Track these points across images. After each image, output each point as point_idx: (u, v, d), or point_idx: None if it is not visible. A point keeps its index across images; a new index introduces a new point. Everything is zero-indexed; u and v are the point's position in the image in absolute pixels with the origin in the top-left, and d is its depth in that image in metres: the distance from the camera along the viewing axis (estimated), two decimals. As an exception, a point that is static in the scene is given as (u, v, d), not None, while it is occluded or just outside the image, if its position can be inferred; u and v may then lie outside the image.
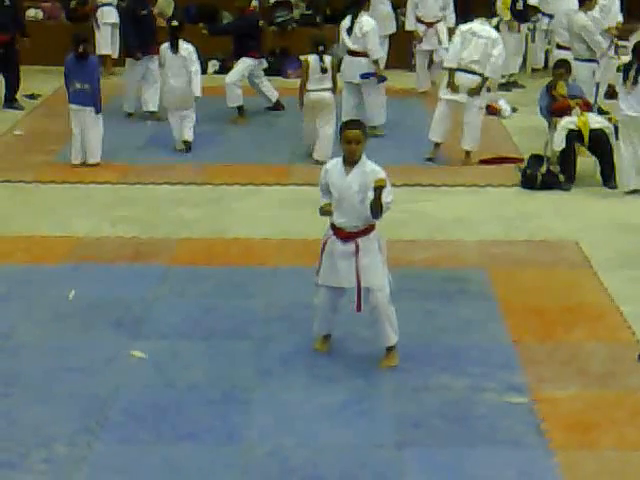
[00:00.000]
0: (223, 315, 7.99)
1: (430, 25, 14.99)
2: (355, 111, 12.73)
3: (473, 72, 11.79)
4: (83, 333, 7.67)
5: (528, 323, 7.90)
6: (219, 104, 13.69)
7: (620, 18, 14.28)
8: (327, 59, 11.91)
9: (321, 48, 11.87)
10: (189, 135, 12.38)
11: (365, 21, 12.60)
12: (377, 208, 6.75)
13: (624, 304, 8.19)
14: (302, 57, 12.26)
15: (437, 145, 12.11)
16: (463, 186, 11.27)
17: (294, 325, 7.76)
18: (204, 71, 13.52)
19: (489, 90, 12.10)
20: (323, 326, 7.35)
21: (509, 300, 8.30)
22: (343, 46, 12.83)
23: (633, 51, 11.18)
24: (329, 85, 11.94)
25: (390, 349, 7.18)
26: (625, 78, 10.88)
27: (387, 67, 13.07)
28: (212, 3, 17.21)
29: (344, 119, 11.42)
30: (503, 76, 14.54)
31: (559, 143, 11.24)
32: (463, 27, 12.16)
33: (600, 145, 11.30)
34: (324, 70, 11.83)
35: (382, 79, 12.81)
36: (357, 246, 6.94)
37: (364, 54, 12.60)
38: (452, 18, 14.92)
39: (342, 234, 6.98)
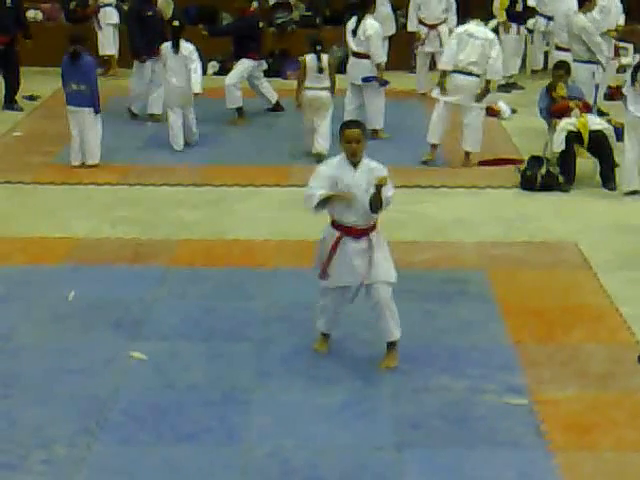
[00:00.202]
0: (223, 316, 7.99)
1: (432, 27, 15.02)
2: (357, 112, 12.76)
3: (471, 74, 11.80)
4: (83, 334, 7.67)
5: (528, 324, 7.90)
6: (219, 105, 13.70)
7: (622, 20, 14.28)
8: (324, 58, 11.97)
9: (319, 47, 11.94)
10: (195, 128, 12.65)
11: (369, 24, 12.61)
12: (377, 203, 6.80)
13: (623, 305, 8.20)
14: (301, 58, 12.32)
15: (434, 147, 12.12)
16: (463, 187, 11.27)
17: (294, 326, 7.76)
18: (204, 72, 13.53)
19: (489, 91, 12.11)
20: (329, 325, 7.36)
21: (509, 301, 8.30)
22: (346, 47, 12.86)
23: None
24: (326, 84, 11.99)
25: (392, 346, 7.17)
26: (634, 79, 10.81)
27: (387, 68, 13.06)
28: (212, 4, 17.23)
29: (346, 119, 11.48)
30: (502, 77, 14.54)
31: (559, 144, 11.24)
32: (458, 29, 12.18)
33: (600, 146, 11.30)
34: (320, 69, 11.89)
35: (384, 83, 12.83)
36: (370, 241, 6.97)
37: (367, 56, 12.63)
38: (454, 20, 14.92)
39: (354, 232, 6.98)
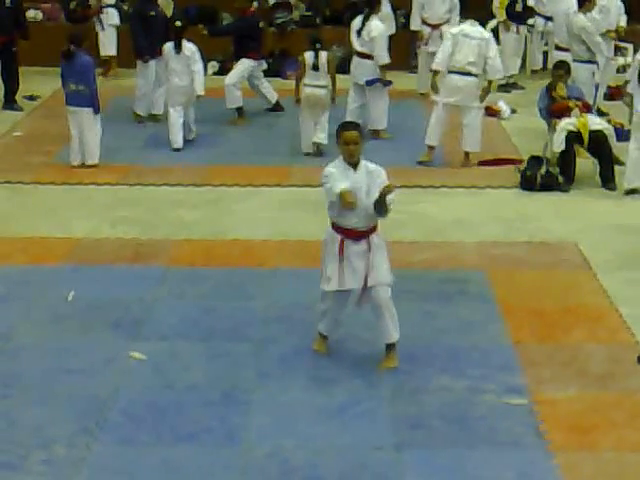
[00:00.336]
0: (222, 316, 7.99)
1: (435, 27, 15.00)
2: (359, 111, 12.78)
3: (469, 74, 11.80)
4: (82, 334, 7.67)
5: (527, 324, 7.90)
6: (218, 105, 13.69)
7: (624, 21, 14.23)
8: (322, 56, 11.99)
9: (318, 45, 11.96)
10: (194, 126, 12.79)
11: (374, 25, 12.62)
12: (383, 206, 6.81)
13: (623, 305, 8.20)
14: (300, 57, 12.35)
15: (431, 148, 12.11)
16: (462, 187, 11.27)
17: (293, 326, 7.76)
18: (204, 72, 13.52)
19: (490, 91, 12.12)
20: (330, 329, 7.35)
21: (508, 301, 8.30)
22: (350, 46, 12.87)
23: None
24: (324, 82, 12.02)
25: (390, 348, 7.17)
26: None
27: (388, 68, 13.05)
28: (212, 4, 17.22)
29: (348, 118, 11.51)
30: (503, 77, 14.54)
31: (558, 144, 11.24)
32: (453, 30, 12.16)
33: (599, 147, 11.30)
34: (317, 67, 11.92)
35: (387, 83, 12.83)
36: (369, 244, 6.96)
37: (371, 57, 12.63)
38: (457, 21, 14.88)
39: (355, 234, 6.97)
